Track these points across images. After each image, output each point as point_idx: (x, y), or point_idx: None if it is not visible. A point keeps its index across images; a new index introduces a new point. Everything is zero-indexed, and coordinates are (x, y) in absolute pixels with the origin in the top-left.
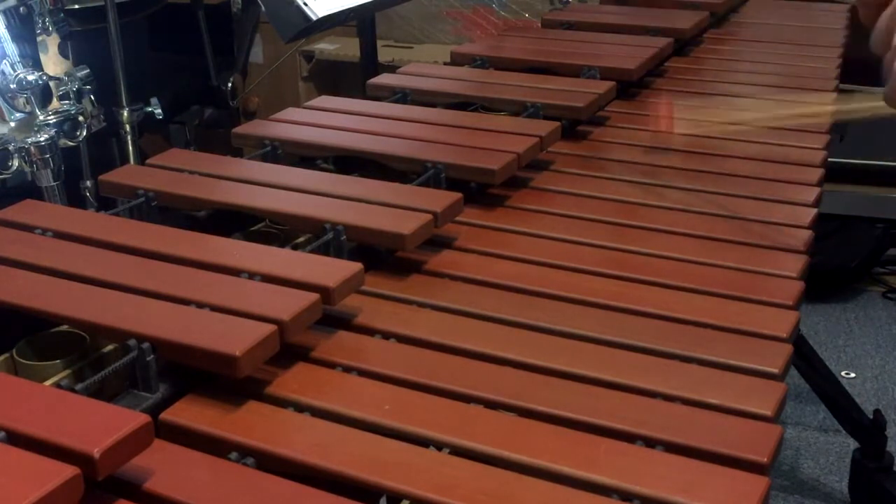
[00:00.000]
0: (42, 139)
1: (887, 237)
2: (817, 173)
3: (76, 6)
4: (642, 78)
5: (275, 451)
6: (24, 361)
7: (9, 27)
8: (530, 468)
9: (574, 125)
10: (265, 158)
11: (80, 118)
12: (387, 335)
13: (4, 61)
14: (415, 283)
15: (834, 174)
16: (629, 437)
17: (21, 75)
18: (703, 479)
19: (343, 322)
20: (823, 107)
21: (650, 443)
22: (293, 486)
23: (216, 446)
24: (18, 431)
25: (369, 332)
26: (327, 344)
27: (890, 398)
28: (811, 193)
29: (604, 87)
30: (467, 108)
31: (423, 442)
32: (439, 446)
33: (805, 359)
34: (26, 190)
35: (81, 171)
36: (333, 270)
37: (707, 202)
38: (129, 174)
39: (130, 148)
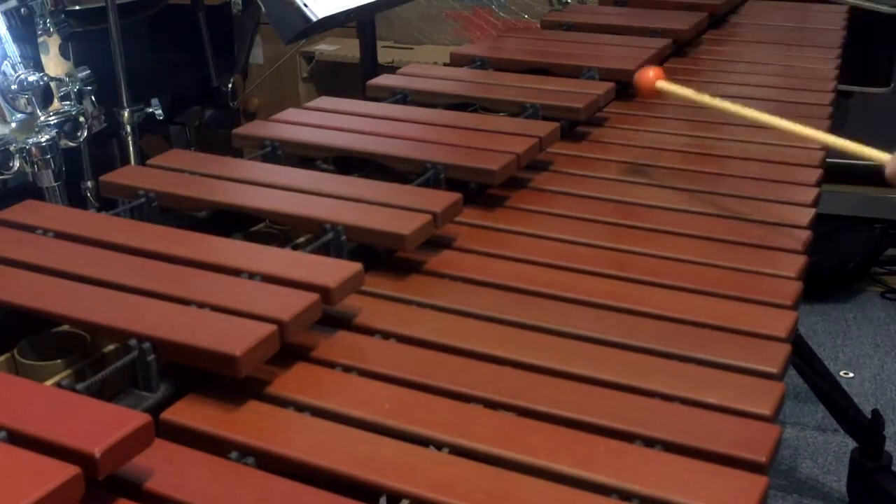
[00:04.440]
0: (43, 140)
1: (886, 237)
2: (816, 174)
3: (77, 7)
4: None
5: (275, 451)
6: (25, 361)
7: (10, 28)
8: (529, 468)
9: (573, 126)
10: (265, 159)
11: (81, 119)
12: (387, 335)
13: (5, 62)
14: (415, 283)
15: (832, 174)
16: (628, 437)
17: (22, 76)
18: (702, 479)
19: (343, 322)
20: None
21: (649, 442)
22: (293, 485)
23: (216, 446)
24: (19, 431)
25: (369, 332)
26: (327, 344)
27: (888, 398)
28: (810, 194)
29: (603, 87)
30: (467, 108)
31: (422, 441)
32: (439, 446)
33: (804, 358)
34: (27, 190)
35: (82, 171)
36: (333, 270)
37: (706, 203)
38: (129, 175)
39: (131, 148)
